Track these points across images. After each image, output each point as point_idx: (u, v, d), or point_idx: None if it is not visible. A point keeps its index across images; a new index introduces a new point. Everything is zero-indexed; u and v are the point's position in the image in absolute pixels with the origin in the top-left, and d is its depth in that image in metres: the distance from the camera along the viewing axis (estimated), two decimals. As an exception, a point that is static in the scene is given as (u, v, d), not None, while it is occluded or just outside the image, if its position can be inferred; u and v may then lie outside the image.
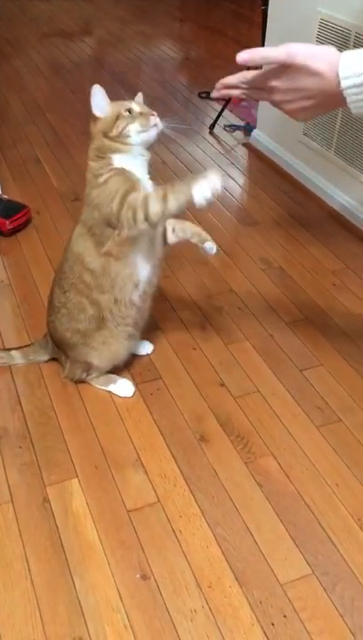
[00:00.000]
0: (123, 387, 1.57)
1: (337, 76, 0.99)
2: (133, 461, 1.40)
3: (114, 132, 1.35)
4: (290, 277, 2.02)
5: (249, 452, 1.44)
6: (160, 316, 1.81)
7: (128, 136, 1.34)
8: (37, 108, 3.16)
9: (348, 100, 1.00)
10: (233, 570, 1.20)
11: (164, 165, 2.69)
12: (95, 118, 1.38)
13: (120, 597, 1.15)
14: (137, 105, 1.37)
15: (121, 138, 1.35)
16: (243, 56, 1.04)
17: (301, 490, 1.35)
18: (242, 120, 3.12)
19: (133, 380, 1.61)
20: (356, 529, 1.28)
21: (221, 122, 3.08)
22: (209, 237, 1.51)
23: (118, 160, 1.37)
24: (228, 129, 3.05)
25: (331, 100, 1.03)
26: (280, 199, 2.47)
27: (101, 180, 1.37)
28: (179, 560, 1.21)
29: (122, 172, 1.36)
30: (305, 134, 2.50)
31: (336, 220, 2.33)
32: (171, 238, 1.49)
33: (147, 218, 1.30)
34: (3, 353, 1.63)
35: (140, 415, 1.52)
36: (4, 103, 3.20)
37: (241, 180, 2.66)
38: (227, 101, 3.06)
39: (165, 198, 1.28)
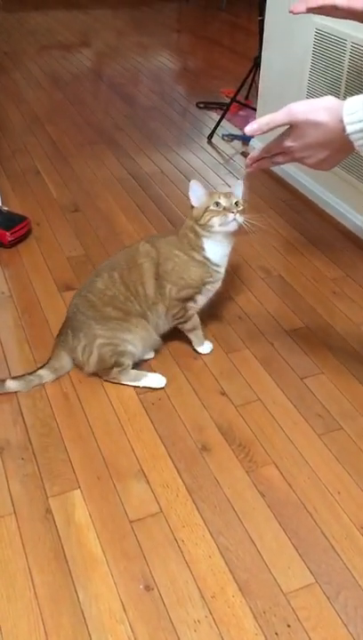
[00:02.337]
0: (155, 379, 1.62)
1: (341, 121, 1.03)
2: (135, 472, 1.40)
3: (201, 222, 1.58)
4: (290, 286, 2.03)
5: (251, 460, 1.44)
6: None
7: (212, 226, 1.57)
8: (36, 120, 3.19)
9: (355, 144, 1.04)
10: (236, 580, 1.20)
11: (162, 175, 2.71)
12: (192, 207, 1.61)
13: (123, 608, 1.15)
14: (225, 200, 1.56)
15: (206, 227, 1.58)
16: (251, 127, 1.12)
17: (303, 498, 1.35)
18: (240, 130, 3.14)
19: (135, 389, 1.62)
20: (358, 537, 1.28)
21: (220, 131, 3.10)
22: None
23: (208, 244, 1.61)
24: (226, 138, 3.07)
25: (343, 146, 1.06)
26: (279, 208, 2.48)
27: (193, 255, 1.62)
28: (182, 570, 1.21)
29: (207, 265, 1.63)
30: (303, 143, 2.51)
31: (335, 228, 2.35)
32: None
33: (180, 324, 1.70)
34: (32, 376, 1.59)
35: (141, 425, 1.52)
36: (4, 115, 3.22)
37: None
38: (225, 111, 3.08)
39: (193, 329, 1.72)
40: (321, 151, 1.09)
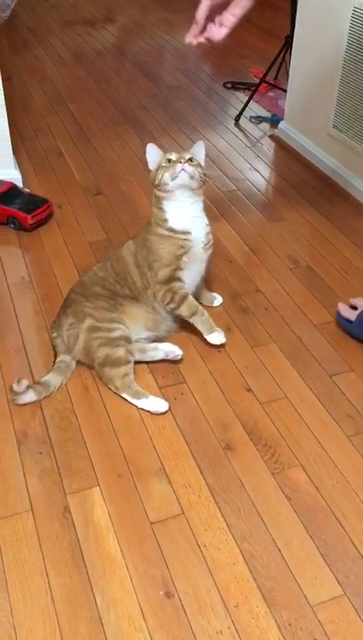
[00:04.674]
0: (156, 403, 1.48)
1: None
2: (156, 470, 1.35)
3: (156, 181, 1.54)
4: (319, 277, 1.95)
5: (277, 462, 1.38)
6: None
7: (165, 183, 1.52)
8: (59, 98, 3.11)
9: None
10: (261, 589, 1.15)
11: (188, 158, 2.62)
12: (150, 171, 1.57)
13: (143, 615, 1.11)
14: (176, 155, 1.53)
15: (161, 186, 1.53)
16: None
17: (331, 504, 1.29)
18: (269, 111, 3.04)
19: (156, 383, 1.56)
20: (389, 547, 1.22)
21: (247, 113, 3.00)
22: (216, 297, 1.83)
23: (169, 207, 1.56)
24: (254, 120, 2.97)
25: None
26: (308, 194, 2.39)
27: (157, 231, 1.58)
28: (204, 577, 1.17)
29: (172, 237, 1.56)
30: (335, 126, 2.41)
31: (366, 217, 2.26)
32: None
33: (175, 310, 1.60)
34: (38, 386, 1.49)
35: (163, 421, 1.47)
36: (26, 93, 3.15)
37: (267, 173, 2.58)
38: (253, 92, 2.98)
39: (192, 314, 1.60)
40: None
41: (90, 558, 1.19)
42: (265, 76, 2.93)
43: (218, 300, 1.81)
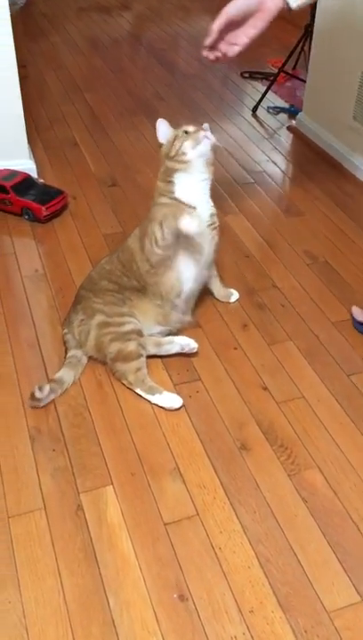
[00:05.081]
0: (170, 398, 1.46)
1: None
2: (170, 469, 1.33)
3: (173, 152, 1.49)
4: (337, 273, 1.92)
5: (293, 463, 1.36)
6: (199, 311, 1.73)
7: (184, 153, 1.48)
8: (75, 87, 3.07)
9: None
10: (276, 594, 1.13)
11: (204, 149, 2.59)
12: (161, 145, 1.54)
13: (156, 619, 1.09)
14: (192, 126, 1.50)
15: (179, 157, 1.49)
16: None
17: (349, 508, 1.27)
18: (287, 102, 2.99)
19: (171, 379, 1.54)
20: None
21: (265, 103, 2.95)
22: (230, 294, 1.79)
23: (180, 180, 1.51)
24: (271, 111, 2.92)
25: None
26: (327, 188, 2.35)
27: (160, 200, 1.54)
28: (218, 580, 1.15)
29: (176, 205, 1.50)
30: (355, 118, 2.36)
31: (386, 212, 2.21)
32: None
33: (156, 243, 1.49)
34: (54, 384, 1.47)
35: (178, 419, 1.44)
36: (42, 81, 3.12)
37: (284, 166, 2.54)
38: (271, 82, 2.92)
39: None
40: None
41: (103, 558, 1.17)
42: (284, 65, 2.88)
43: (234, 295, 1.78)
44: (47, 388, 1.44)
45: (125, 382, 1.50)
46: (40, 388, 1.43)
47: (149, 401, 1.47)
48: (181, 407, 1.46)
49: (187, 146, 1.47)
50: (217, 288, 1.76)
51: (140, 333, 1.52)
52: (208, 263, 1.64)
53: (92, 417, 1.44)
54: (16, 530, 1.21)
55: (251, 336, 1.68)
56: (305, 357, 1.62)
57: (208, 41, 1.54)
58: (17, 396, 1.48)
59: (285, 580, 1.15)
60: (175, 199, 1.52)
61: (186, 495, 1.28)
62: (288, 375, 1.57)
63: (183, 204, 1.51)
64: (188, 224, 1.45)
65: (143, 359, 1.50)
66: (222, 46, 1.54)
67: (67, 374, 1.50)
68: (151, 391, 1.47)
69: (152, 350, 1.55)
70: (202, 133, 1.48)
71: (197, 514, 1.25)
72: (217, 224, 1.59)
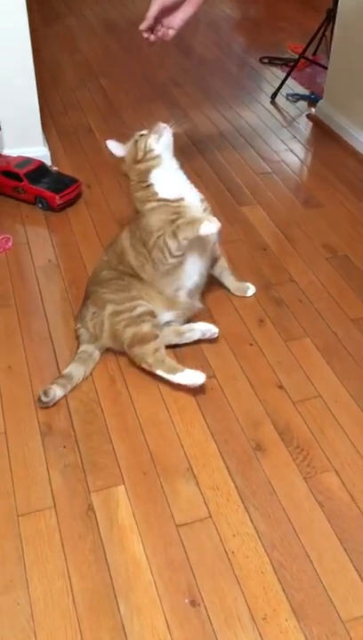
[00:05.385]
0: (191, 375, 1.43)
1: None
2: (183, 470, 1.31)
3: (140, 155, 1.50)
4: (357, 268, 1.87)
5: (309, 465, 1.32)
6: (214, 305, 1.70)
7: (152, 149, 1.49)
8: (90, 71, 3.02)
9: None
10: (290, 601, 1.10)
11: (221, 137, 2.54)
12: (122, 160, 1.55)
13: (167, 625, 1.07)
14: (145, 130, 1.53)
15: (147, 155, 1.50)
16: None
17: (366, 513, 1.24)
18: (306, 89, 2.92)
19: (185, 376, 1.51)
20: None
21: (284, 90, 2.88)
22: (247, 288, 1.75)
23: (157, 178, 1.50)
24: (291, 98, 2.85)
25: None
26: (347, 179, 2.29)
27: (147, 207, 1.51)
28: (231, 586, 1.12)
29: (164, 205, 1.49)
30: (377, 108, 2.30)
31: None
32: (212, 270, 1.68)
33: (171, 254, 1.46)
34: (62, 380, 1.44)
35: (192, 418, 1.41)
36: (56, 65, 3.07)
37: (303, 155, 2.48)
38: (291, 68, 2.85)
39: (174, 235, 1.44)
40: None
41: (113, 561, 1.15)
42: (305, 51, 2.80)
43: (251, 289, 1.74)
44: (52, 390, 1.41)
45: (144, 366, 1.46)
46: (45, 393, 1.40)
47: (170, 381, 1.44)
48: (203, 383, 1.43)
49: (151, 141, 1.49)
50: (230, 282, 1.73)
51: (152, 314, 1.49)
52: (210, 253, 1.60)
53: (104, 413, 1.42)
54: (25, 529, 1.19)
55: (267, 332, 1.64)
56: (323, 355, 1.58)
57: (143, 26, 1.78)
58: (28, 391, 1.45)
59: (299, 587, 1.12)
60: (162, 200, 1.49)
61: (199, 497, 1.26)
62: (305, 373, 1.53)
63: (171, 201, 1.49)
64: (210, 228, 1.44)
65: (160, 340, 1.47)
66: (159, 31, 1.79)
67: (76, 369, 1.47)
68: (172, 370, 1.44)
69: (174, 339, 1.53)
70: (161, 124, 1.50)
71: (210, 516, 1.22)
72: (209, 208, 1.56)
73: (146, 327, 1.46)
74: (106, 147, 1.57)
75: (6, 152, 2.16)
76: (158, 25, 1.79)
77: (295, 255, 1.91)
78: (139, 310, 1.48)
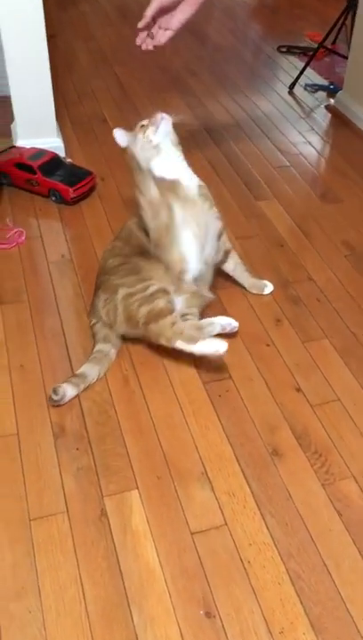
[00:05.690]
0: (213, 343, 1.41)
1: None
2: (198, 474, 1.28)
3: (139, 145, 1.52)
4: (376, 266, 1.83)
5: (327, 472, 1.29)
6: (230, 303, 1.66)
7: (150, 140, 1.51)
8: (105, 60, 2.97)
9: None
10: (308, 614, 1.07)
11: (237, 128, 2.49)
12: (125, 151, 1.57)
13: (181, 636, 1.04)
14: (146, 120, 1.55)
15: (146, 145, 1.51)
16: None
17: (386, 523, 1.20)
18: (325, 79, 2.85)
19: (200, 377, 1.48)
20: None
21: (302, 80, 2.82)
22: (264, 286, 1.71)
23: (158, 167, 1.50)
24: (309, 88, 2.79)
25: None
26: (367, 173, 2.24)
27: (147, 187, 1.51)
28: (247, 597, 1.09)
29: (164, 182, 1.50)
30: None
31: None
32: (226, 267, 1.68)
33: (142, 193, 1.52)
34: (75, 379, 1.41)
35: (207, 420, 1.38)
36: (71, 53, 3.01)
37: (322, 148, 2.43)
38: (310, 57, 2.79)
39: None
40: None
41: (127, 569, 1.13)
42: (325, 40, 2.74)
43: (268, 287, 1.70)
44: (62, 389, 1.38)
45: (163, 341, 1.43)
46: (55, 391, 1.38)
47: (192, 353, 1.41)
48: (225, 352, 1.40)
49: (149, 133, 1.51)
50: (246, 279, 1.69)
51: (165, 291, 1.48)
52: (214, 241, 1.58)
53: (118, 415, 1.39)
54: (37, 534, 1.17)
55: (284, 332, 1.60)
56: (341, 357, 1.54)
57: (141, 24, 1.75)
58: (40, 390, 1.43)
59: (317, 600, 1.09)
60: (160, 178, 1.51)
61: (214, 503, 1.23)
62: (323, 376, 1.49)
63: (166, 179, 1.50)
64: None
65: (176, 314, 1.45)
66: (155, 30, 1.76)
67: (91, 369, 1.44)
68: (193, 340, 1.41)
69: (195, 334, 1.50)
70: (158, 115, 1.52)
71: (226, 523, 1.20)
72: (211, 199, 1.56)
73: (161, 303, 1.45)
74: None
75: (20, 143, 2.12)
76: (155, 26, 1.77)
77: (313, 252, 1.87)
78: (151, 289, 1.47)
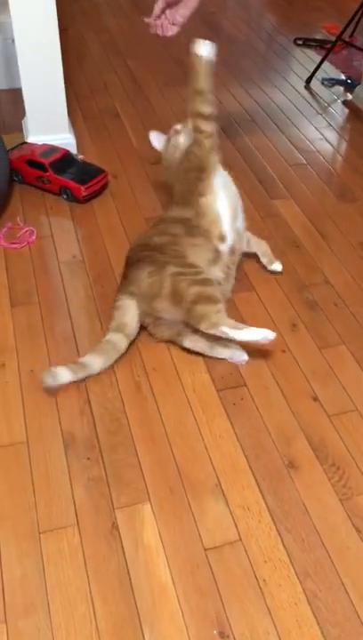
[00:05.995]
0: (261, 330, 1.38)
1: None
2: (211, 487, 1.24)
3: (171, 149, 1.69)
4: (395, 269, 1.78)
5: (345, 486, 1.25)
6: (245, 308, 1.62)
7: (178, 148, 1.66)
8: (117, 53, 2.91)
9: None
10: (325, 637, 1.04)
11: (252, 123, 2.43)
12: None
13: (195, 658, 1.01)
14: (179, 125, 1.67)
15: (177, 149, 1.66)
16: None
17: None
18: (343, 73, 2.79)
19: (214, 384, 1.44)
20: None
21: (319, 74, 2.75)
22: (275, 260, 1.74)
23: None
24: (326, 83, 2.72)
25: None
26: (385, 172, 2.18)
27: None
28: (262, 617, 1.06)
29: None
30: None
31: None
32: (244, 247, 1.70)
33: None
34: (74, 365, 1.40)
35: (221, 430, 1.35)
36: (83, 45, 2.96)
37: (339, 145, 2.37)
38: (328, 50, 2.72)
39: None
40: None
41: (138, 585, 1.10)
42: (343, 32, 2.67)
43: (276, 264, 1.73)
44: (51, 372, 1.37)
45: (205, 324, 1.39)
46: (48, 373, 1.37)
47: (235, 339, 1.39)
48: (274, 339, 1.38)
49: (180, 140, 1.65)
50: (259, 247, 1.74)
51: (218, 283, 1.51)
52: (242, 215, 1.67)
53: (130, 423, 1.35)
54: (47, 547, 1.14)
55: (301, 338, 1.56)
56: (359, 364, 1.50)
57: (150, 20, 1.81)
58: (51, 397, 1.40)
59: (335, 621, 1.06)
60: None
61: (228, 518, 1.19)
62: (341, 384, 1.45)
63: None
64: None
65: (222, 306, 1.43)
66: (164, 23, 1.81)
67: (93, 359, 1.41)
68: (238, 326, 1.38)
69: (205, 349, 1.50)
70: (172, 132, 1.67)
71: (240, 539, 1.16)
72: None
73: (212, 290, 1.44)
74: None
75: (31, 139, 2.08)
76: (163, 18, 1.82)
77: (330, 253, 1.82)
78: (202, 276, 1.46)
